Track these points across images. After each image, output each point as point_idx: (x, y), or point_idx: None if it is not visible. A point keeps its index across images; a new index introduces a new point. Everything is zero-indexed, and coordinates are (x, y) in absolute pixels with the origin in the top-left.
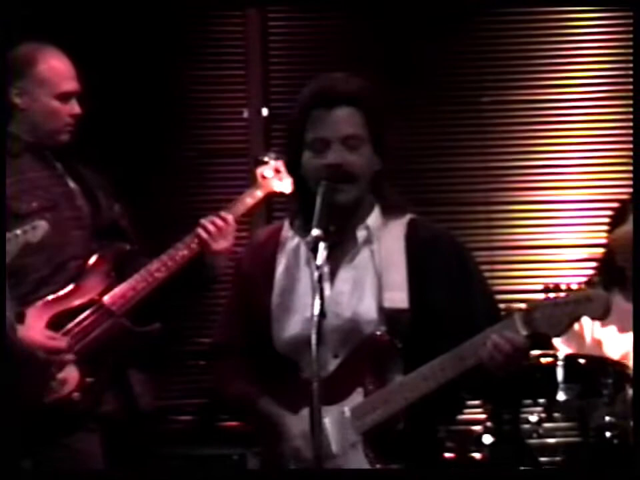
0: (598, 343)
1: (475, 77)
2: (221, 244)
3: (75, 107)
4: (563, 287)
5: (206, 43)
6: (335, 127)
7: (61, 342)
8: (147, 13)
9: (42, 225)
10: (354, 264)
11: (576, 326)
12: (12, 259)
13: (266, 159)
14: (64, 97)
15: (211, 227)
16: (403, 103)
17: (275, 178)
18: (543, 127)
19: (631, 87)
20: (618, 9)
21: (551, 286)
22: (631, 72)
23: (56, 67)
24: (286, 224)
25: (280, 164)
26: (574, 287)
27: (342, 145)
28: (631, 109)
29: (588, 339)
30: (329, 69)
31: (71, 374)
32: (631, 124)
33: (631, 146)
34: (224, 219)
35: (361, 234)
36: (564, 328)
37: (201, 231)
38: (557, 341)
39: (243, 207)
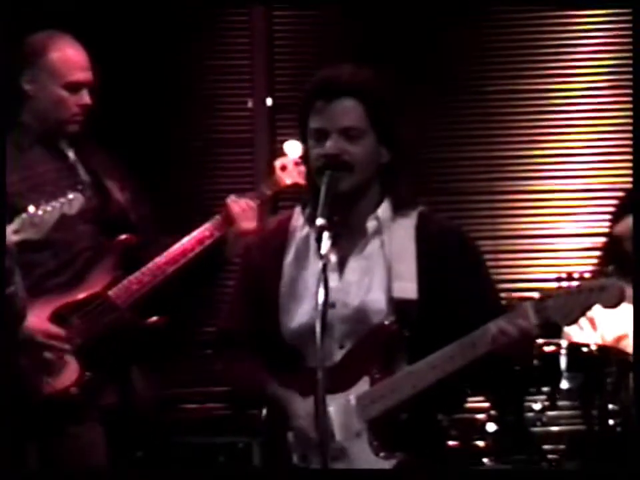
0: (610, 329)
1: (478, 67)
2: (249, 224)
3: (84, 98)
4: (576, 275)
5: (211, 33)
6: (333, 118)
7: (60, 330)
8: (153, 4)
9: (78, 198)
10: (364, 254)
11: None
12: (45, 233)
13: (288, 149)
14: (73, 87)
15: (237, 207)
16: (407, 94)
17: (294, 170)
18: (547, 116)
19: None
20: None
21: (564, 275)
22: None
23: (68, 55)
24: (296, 213)
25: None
26: (587, 275)
27: (341, 136)
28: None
29: (600, 327)
30: (333, 60)
31: (71, 367)
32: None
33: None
34: (247, 203)
35: (371, 224)
36: (576, 317)
37: (232, 205)
38: (570, 331)
39: (261, 195)
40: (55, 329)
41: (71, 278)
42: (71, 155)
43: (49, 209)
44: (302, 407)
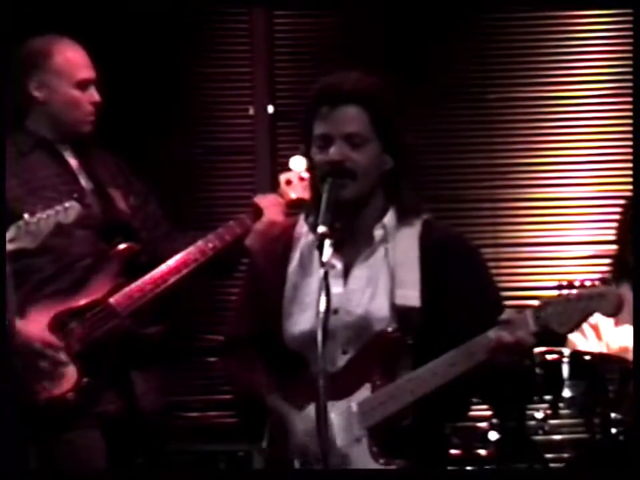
0: (615, 339)
1: (480, 74)
2: (277, 216)
3: (94, 95)
4: (577, 283)
5: (212, 40)
6: (337, 125)
7: (58, 341)
8: (153, 11)
9: (74, 206)
10: (369, 262)
11: (591, 322)
12: (40, 241)
13: (293, 165)
14: (82, 85)
15: (265, 201)
16: (408, 100)
17: (299, 185)
18: (549, 123)
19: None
20: (621, 7)
21: (565, 283)
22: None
23: (72, 56)
24: (301, 220)
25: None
26: (587, 283)
27: (345, 142)
28: None
29: (604, 336)
30: (334, 67)
31: (68, 373)
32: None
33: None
34: (275, 198)
35: (377, 233)
36: (574, 325)
37: (260, 199)
38: (575, 339)
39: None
40: (52, 338)
41: (71, 284)
42: (72, 161)
43: (44, 217)
44: (301, 423)
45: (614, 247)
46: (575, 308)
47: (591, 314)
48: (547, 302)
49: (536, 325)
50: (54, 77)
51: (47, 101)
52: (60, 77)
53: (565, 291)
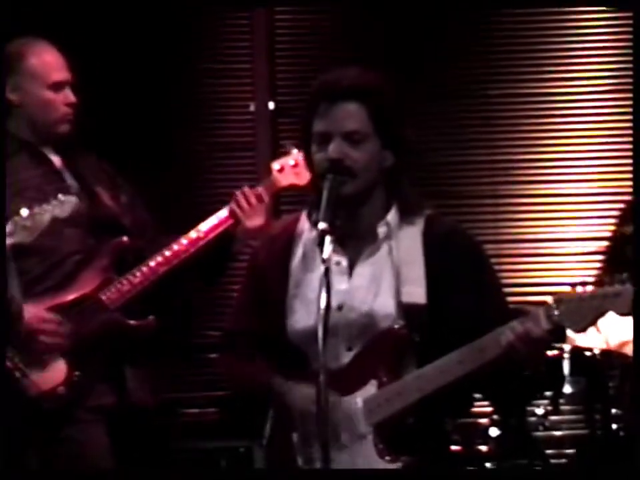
0: (614, 333)
1: (481, 71)
2: (257, 220)
3: (69, 96)
4: (590, 282)
5: (213, 36)
6: (336, 122)
7: (54, 316)
8: (155, 7)
9: (71, 200)
10: (372, 259)
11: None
12: (36, 236)
13: (288, 150)
14: (56, 87)
15: (243, 203)
16: (409, 97)
17: (291, 171)
18: (550, 119)
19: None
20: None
21: (578, 282)
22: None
23: (45, 59)
24: (303, 215)
25: (300, 157)
26: (600, 282)
27: (344, 140)
28: None
29: (604, 331)
30: (334, 63)
31: (59, 367)
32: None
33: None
34: (257, 196)
35: (381, 230)
36: (588, 323)
37: (234, 207)
38: (574, 335)
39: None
40: (49, 314)
41: (60, 280)
42: (56, 160)
43: (40, 211)
44: (306, 391)
45: (608, 242)
46: (589, 306)
47: (604, 312)
48: (560, 299)
49: (548, 323)
50: (27, 79)
51: (21, 104)
52: (33, 79)
53: (578, 289)
